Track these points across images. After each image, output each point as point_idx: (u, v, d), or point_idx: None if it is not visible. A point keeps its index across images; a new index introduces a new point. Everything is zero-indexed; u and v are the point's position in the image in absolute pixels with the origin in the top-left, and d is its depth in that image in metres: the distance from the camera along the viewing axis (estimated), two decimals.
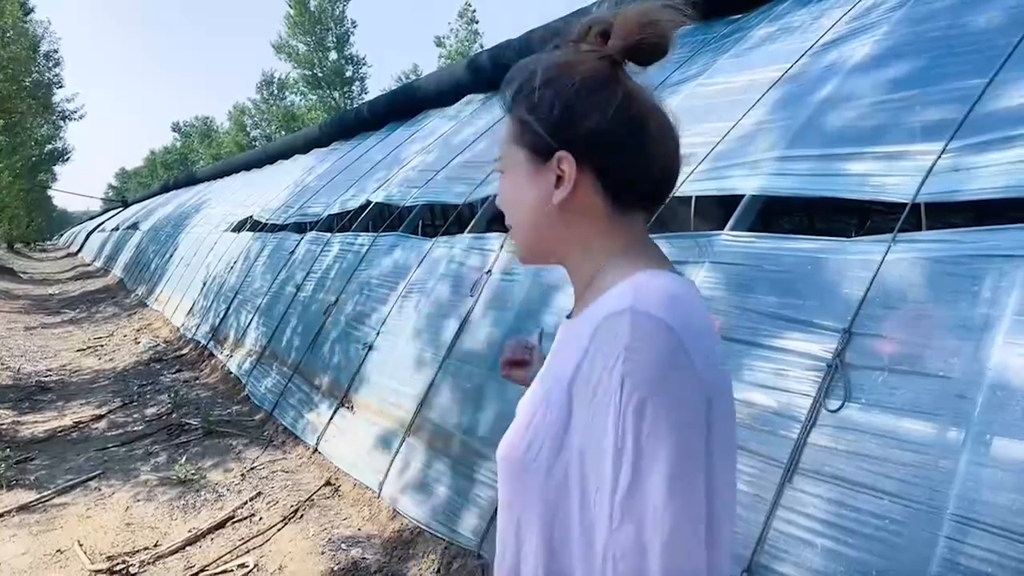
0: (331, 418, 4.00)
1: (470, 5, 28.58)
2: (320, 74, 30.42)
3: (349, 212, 5.91)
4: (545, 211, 0.77)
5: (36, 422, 5.11)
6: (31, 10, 19.76)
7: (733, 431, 0.70)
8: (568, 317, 0.82)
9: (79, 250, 31.45)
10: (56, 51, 22.26)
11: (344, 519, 3.27)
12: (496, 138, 0.83)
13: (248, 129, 37.17)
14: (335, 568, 2.85)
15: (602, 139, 0.73)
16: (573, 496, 0.68)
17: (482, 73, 6.46)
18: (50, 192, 40.17)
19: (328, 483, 3.62)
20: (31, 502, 3.63)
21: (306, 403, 4.40)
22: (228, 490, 3.73)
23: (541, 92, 0.75)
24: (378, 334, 4.00)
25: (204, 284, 8.22)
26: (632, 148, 0.74)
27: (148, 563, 2.99)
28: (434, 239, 4.15)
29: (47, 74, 22.04)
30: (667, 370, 0.62)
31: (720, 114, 3.04)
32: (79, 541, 3.18)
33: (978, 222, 1.94)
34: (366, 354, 3.99)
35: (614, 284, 0.71)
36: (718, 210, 2.69)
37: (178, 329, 8.18)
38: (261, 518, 3.38)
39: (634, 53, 0.74)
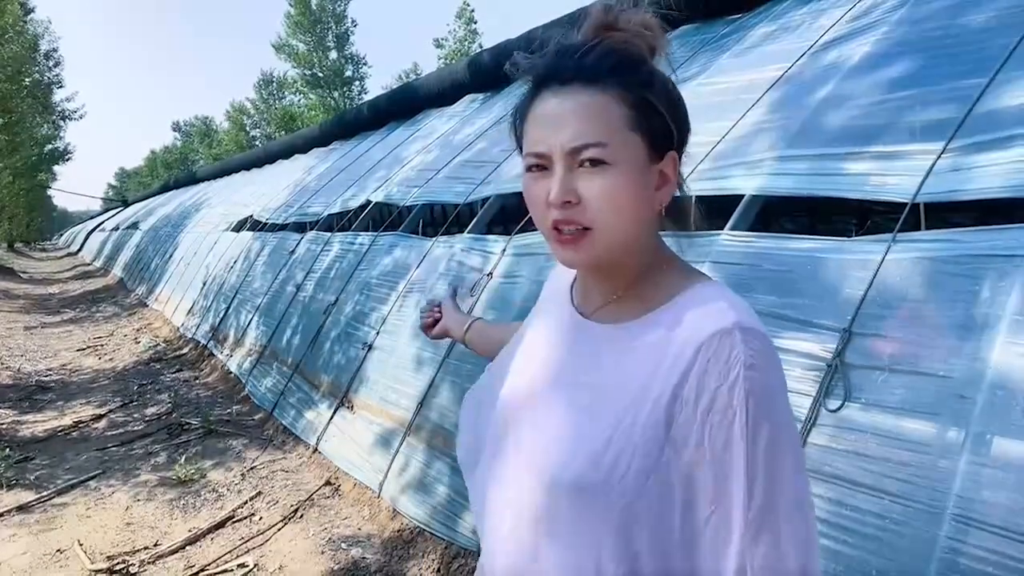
0: (331, 418, 4.00)
1: (468, 5, 28.56)
2: (320, 74, 30.41)
3: (349, 212, 5.91)
4: (648, 215, 0.72)
5: (36, 422, 5.11)
6: (31, 10, 19.75)
7: None
8: (582, 315, 0.79)
9: (79, 250, 31.45)
10: (56, 51, 22.31)
11: (344, 519, 3.27)
12: (583, 111, 0.65)
13: (248, 129, 37.18)
14: (335, 568, 2.85)
15: (688, 137, 0.74)
16: (665, 516, 0.67)
17: (482, 73, 6.46)
18: (50, 192, 40.19)
19: (328, 483, 3.62)
20: (31, 502, 3.63)
21: (306, 403, 4.40)
22: (228, 490, 3.73)
23: (655, 79, 0.70)
24: (378, 334, 4.00)
25: (204, 284, 8.22)
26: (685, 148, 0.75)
27: (148, 563, 2.99)
28: (434, 239, 4.15)
29: (47, 74, 22.06)
30: (781, 384, 0.65)
31: (720, 114, 3.04)
32: (79, 541, 3.18)
33: (978, 222, 1.93)
34: (366, 354, 3.99)
35: (680, 291, 0.71)
36: (718, 210, 2.68)
37: (178, 329, 8.18)
38: (261, 518, 3.38)
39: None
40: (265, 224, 7.80)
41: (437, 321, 1.29)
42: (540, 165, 0.70)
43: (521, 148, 0.74)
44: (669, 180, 0.71)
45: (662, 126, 0.69)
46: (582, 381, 0.74)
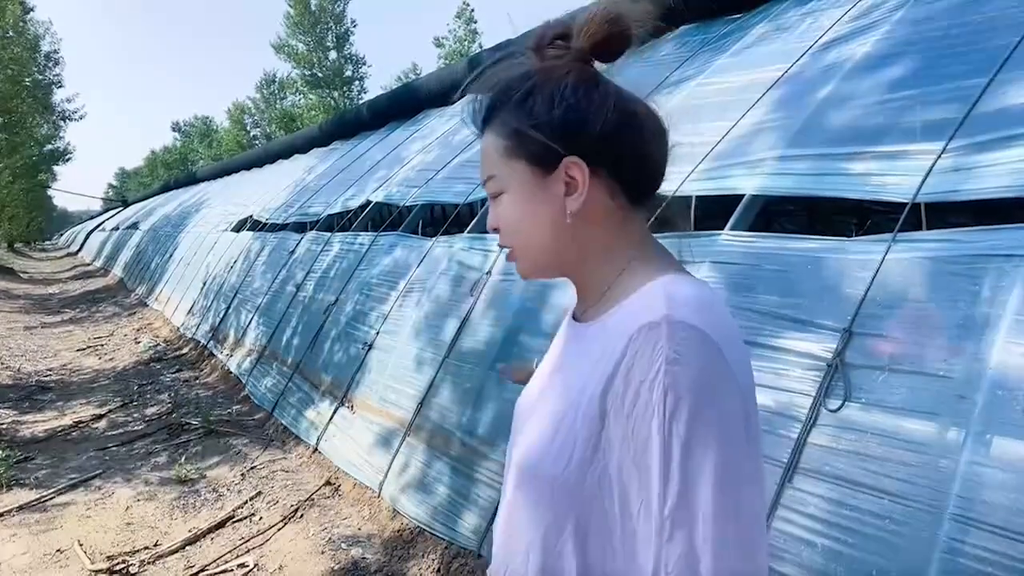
0: (331, 418, 4.00)
1: (468, 5, 28.56)
2: (320, 74, 30.40)
3: (349, 212, 5.91)
4: (560, 224, 0.73)
5: (36, 422, 5.11)
6: (31, 9, 19.74)
7: (760, 433, 0.70)
8: (575, 319, 0.81)
9: (79, 250, 31.45)
10: (57, 51, 22.29)
11: (344, 519, 3.27)
12: (482, 156, 0.81)
13: (248, 128, 37.18)
14: (335, 568, 2.85)
15: (608, 139, 0.72)
16: (608, 508, 0.67)
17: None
18: (50, 192, 40.16)
19: (328, 483, 3.62)
20: (31, 502, 3.63)
21: (306, 402, 4.40)
22: (228, 490, 3.73)
23: (532, 100, 0.72)
24: (378, 334, 4.00)
25: (204, 284, 8.22)
26: (634, 145, 0.73)
27: (148, 563, 2.99)
28: (434, 239, 4.15)
29: (47, 74, 22.06)
30: (709, 380, 0.62)
31: (720, 114, 3.04)
32: (79, 541, 3.18)
33: (978, 222, 1.93)
34: (366, 354, 3.99)
35: (636, 288, 0.71)
36: (718, 210, 2.68)
37: (178, 329, 8.18)
38: (261, 518, 3.38)
39: (600, 49, 0.73)
40: (265, 224, 7.80)
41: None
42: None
43: None
44: (577, 184, 0.72)
45: (537, 145, 0.72)
46: (556, 381, 0.78)
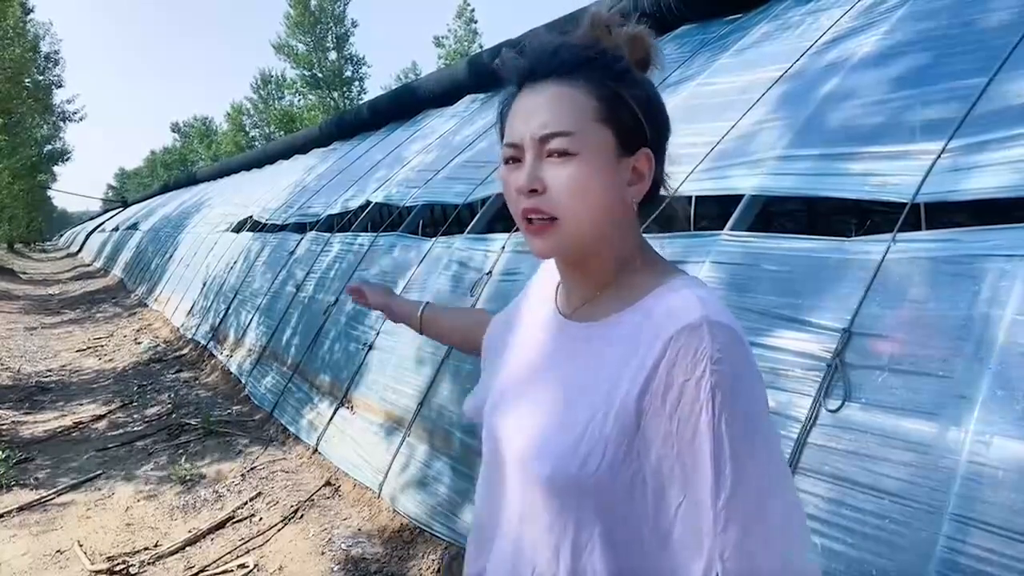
0: (331, 418, 4.00)
1: (468, 4, 28.56)
2: (320, 74, 30.41)
3: (349, 212, 5.91)
4: (615, 207, 0.72)
5: (36, 422, 5.11)
6: (31, 10, 19.75)
7: None
8: (563, 314, 0.81)
9: (79, 250, 31.45)
10: (57, 52, 22.28)
11: (344, 519, 3.27)
12: (553, 103, 0.69)
13: (247, 129, 37.16)
14: (335, 568, 2.85)
15: (666, 138, 0.75)
16: (640, 505, 0.68)
17: (482, 73, 6.45)
18: (50, 192, 40.19)
19: (328, 483, 3.62)
20: (31, 502, 3.63)
21: (306, 403, 4.40)
22: (228, 490, 3.73)
23: (631, 75, 0.71)
24: (378, 334, 4.00)
25: (204, 284, 8.22)
26: (665, 149, 0.76)
27: (148, 563, 2.99)
28: (434, 239, 4.15)
29: (48, 74, 22.05)
30: (749, 377, 0.65)
31: (720, 114, 3.04)
32: (79, 541, 3.18)
33: (978, 221, 1.93)
34: (366, 354, 3.99)
35: (649, 290, 0.72)
36: (718, 210, 2.68)
37: (178, 329, 8.18)
38: (261, 518, 3.38)
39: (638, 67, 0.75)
40: (265, 225, 7.80)
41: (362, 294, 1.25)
42: (515, 157, 0.72)
43: None
44: (643, 176, 0.72)
45: (631, 120, 0.70)
46: (560, 380, 0.77)
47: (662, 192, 0.78)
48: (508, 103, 0.75)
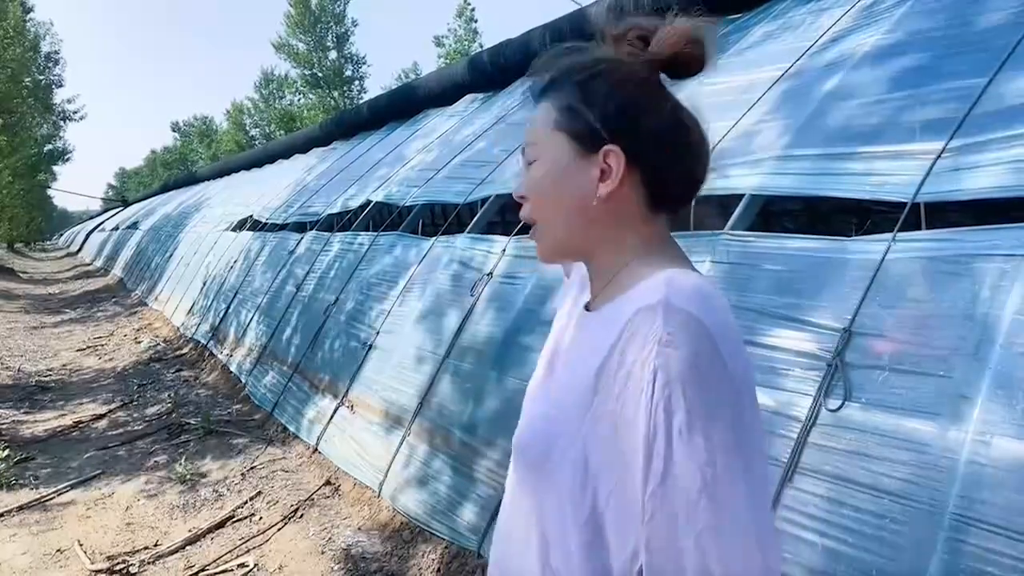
0: (331, 417, 4.00)
1: (469, 4, 28.54)
2: (320, 74, 30.39)
3: (349, 211, 5.91)
4: (585, 205, 0.75)
5: (36, 422, 5.11)
6: (30, 9, 19.75)
7: (761, 426, 0.68)
8: (587, 308, 0.83)
9: (79, 250, 31.45)
10: (57, 52, 22.30)
11: (344, 518, 3.27)
12: (529, 124, 0.83)
13: (247, 128, 37.15)
14: (335, 567, 2.85)
15: (655, 139, 0.75)
16: (587, 485, 0.68)
17: (482, 72, 6.45)
18: (50, 192, 40.16)
19: (328, 482, 3.62)
20: (31, 502, 3.63)
21: (306, 402, 4.40)
22: (228, 489, 3.73)
23: (594, 83, 0.75)
24: (378, 333, 4.00)
25: (204, 283, 8.22)
26: (678, 152, 0.76)
27: (148, 563, 2.99)
28: (434, 238, 4.15)
29: (48, 74, 22.06)
30: (700, 365, 0.62)
31: (720, 113, 3.04)
32: (79, 541, 3.18)
33: (978, 221, 1.93)
34: (366, 353, 3.99)
35: (643, 279, 0.71)
36: (718, 209, 2.68)
37: (178, 328, 8.18)
38: (261, 518, 3.38)
39: (674, 65, 0.75)
40: (265, 224, 7.80)
41: None
42: None
43: None
44: (610, 172, 0.74)
45: (585, 126, 0.75)
46: (559, 369, 0.81)
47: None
48: None
